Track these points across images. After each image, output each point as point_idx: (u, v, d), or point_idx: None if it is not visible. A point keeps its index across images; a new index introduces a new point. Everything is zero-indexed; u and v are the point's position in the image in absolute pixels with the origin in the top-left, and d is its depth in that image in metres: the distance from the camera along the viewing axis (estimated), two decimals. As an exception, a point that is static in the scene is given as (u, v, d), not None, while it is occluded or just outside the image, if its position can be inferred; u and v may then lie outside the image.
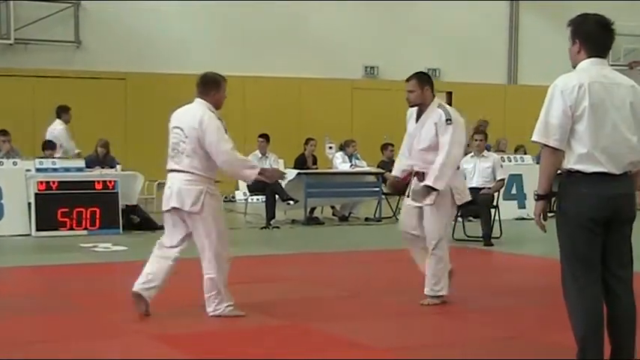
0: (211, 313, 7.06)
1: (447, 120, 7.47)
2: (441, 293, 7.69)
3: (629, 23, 24.17)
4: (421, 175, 7.60)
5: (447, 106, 7.74)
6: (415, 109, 7.72)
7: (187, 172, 6.94)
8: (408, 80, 7.68)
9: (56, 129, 15.80)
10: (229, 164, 7.03)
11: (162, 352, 6.17)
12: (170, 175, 7.09)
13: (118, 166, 14.69)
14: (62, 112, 16.03)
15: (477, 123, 18.62)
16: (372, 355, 6.13)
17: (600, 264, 5.00)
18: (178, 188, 6.95)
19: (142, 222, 14.20)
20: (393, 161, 17.13)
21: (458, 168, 7.86)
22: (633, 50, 24.19)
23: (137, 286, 7.04)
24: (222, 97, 7.19)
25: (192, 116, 6.97)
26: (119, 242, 12.33)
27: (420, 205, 7.59)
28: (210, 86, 7.13)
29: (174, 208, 7.01)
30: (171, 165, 7.08)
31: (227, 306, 7.08)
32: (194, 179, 6.93)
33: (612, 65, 20.57)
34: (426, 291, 7.70)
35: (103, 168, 14.44)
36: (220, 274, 7.04)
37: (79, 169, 13.97)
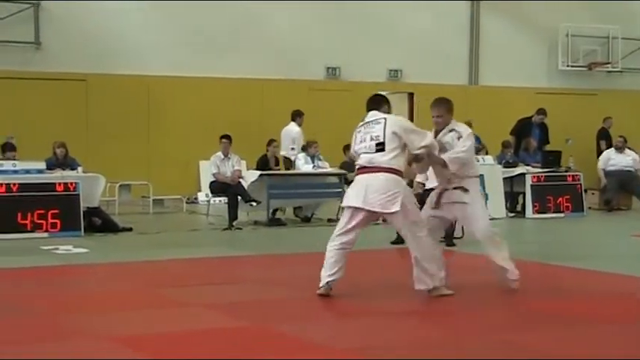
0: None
1: None
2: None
3: (588, 25, 24.42)
4: None
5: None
6: None
7: None
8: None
9: (293, 130, 17.81)
10: None
11: (119, 353, 6.12)
12: None
13: (80, 168, 14.58)
14: (297, 115, 18.03)
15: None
16: (331, 355, 6.13)
17: None
18: None
19: (103, 224, 14.15)
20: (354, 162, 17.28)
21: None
22: (592, 52, 24.41)
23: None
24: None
25: None
26: (80, 244, 12.27)
27: None
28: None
29: None
30: None
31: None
32: None
33: (571, 67, 20.76)
34: None
35: (64, 170, 14.34)
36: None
37: (40, 171, 13.86)
